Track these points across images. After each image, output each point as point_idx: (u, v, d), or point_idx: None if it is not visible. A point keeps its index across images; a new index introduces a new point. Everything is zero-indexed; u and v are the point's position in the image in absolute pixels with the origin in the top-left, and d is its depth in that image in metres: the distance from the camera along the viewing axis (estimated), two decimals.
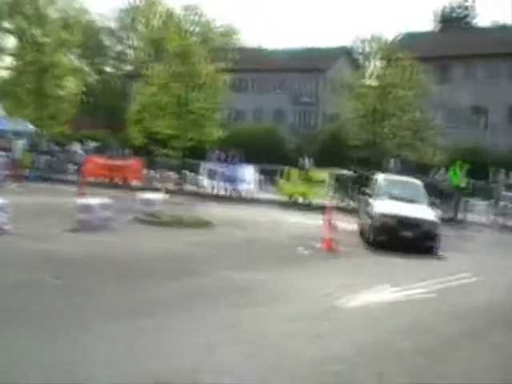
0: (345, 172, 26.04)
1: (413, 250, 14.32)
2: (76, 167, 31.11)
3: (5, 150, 29.92)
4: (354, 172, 25.53)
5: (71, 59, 37.47)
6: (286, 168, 27.09)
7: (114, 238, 13.56)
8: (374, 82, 27.38)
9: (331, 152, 33.64)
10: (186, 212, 18.48)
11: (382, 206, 15.60)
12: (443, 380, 6.23)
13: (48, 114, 32.47)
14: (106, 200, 15.15)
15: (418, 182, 17.64)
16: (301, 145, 36.65)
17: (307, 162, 26.86)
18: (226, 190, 27.97)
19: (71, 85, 33.38)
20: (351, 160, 25.90)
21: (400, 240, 14.64)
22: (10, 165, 28.46)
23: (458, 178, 23.64)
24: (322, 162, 28.68)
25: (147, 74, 30.99)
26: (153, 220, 16.10)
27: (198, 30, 31.95)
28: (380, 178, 17.60)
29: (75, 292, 8.48)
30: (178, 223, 16.09)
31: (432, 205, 16.55)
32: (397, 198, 15.94)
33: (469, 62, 48.76)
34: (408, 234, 14.78)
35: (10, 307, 7.49)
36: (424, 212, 15.40)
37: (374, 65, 29.27)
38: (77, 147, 33.35)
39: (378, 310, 8.68)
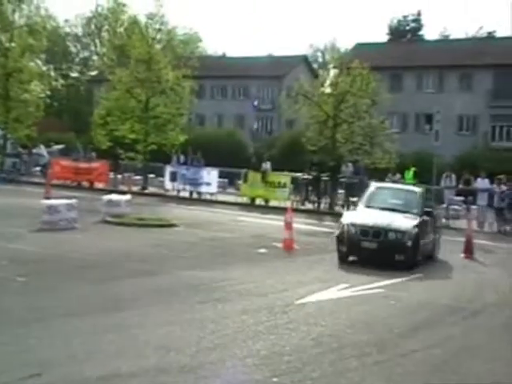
0: (302, 175, 26.81)
1: (379, 264, 12.46)
2: (41, 169, 31.44)
3: None
4: (309, 175, 26.34)
5: (37, 64, 37.51)
6: (247, 171, 27.77)
7: (78, 238, 13.79)
8: (329, 90, 28.25)
9: (290, 156, 34.51)
10: (150, 213, 18.83)
11: (349, 215, 14.17)
12: (397, 369, 6.43)
13: (14, 117, 32.62)
14: (71, 201, 15.41)
15: (416, 189, 15.43)
16: (259, 149, 37.36)
17: (267, 165, 27.58)
18: (191, 193, 28.61)
19: (37, 89, 33.53)
20: (310, 164, 26.67)
21: (362, 252, 13.01)
22: None
23: (411, 182, 24.68)
24: (281, 165, 29.48)
25: (112, 79, 31.43)
26: (117, 221, 16.40)
27: (161, 37, 32.28)
28: (372, 186, 15.46)
29: (38, 290, 8.69)
30: (142, 224, 16.48)
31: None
32: (381, 208, 13.92)
33: (418, 72, 50.79)
34: (371, 245, 12.84)
35: None
36: (398, 221, 13.10)
37: (329, 73, 30.05)
38: (42, 150, 33.57)
39: (332, 305, 9.08)
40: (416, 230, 13.19)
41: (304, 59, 62.79)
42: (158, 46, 31.80)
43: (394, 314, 9.00)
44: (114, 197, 18.29)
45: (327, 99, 27.37)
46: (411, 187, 16.19)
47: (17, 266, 10.11)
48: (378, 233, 12.90)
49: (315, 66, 66.35)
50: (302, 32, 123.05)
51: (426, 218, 13.97)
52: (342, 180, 26.67)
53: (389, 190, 15.68)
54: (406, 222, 13.20)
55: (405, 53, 51.59)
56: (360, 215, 13.78)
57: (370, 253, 12.94)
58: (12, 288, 8.74)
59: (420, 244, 13.26)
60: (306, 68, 59.50)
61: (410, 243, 12.84)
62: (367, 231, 12.96)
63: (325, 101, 27.30)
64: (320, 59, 78.75)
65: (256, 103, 54.46)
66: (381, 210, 13.83)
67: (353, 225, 13.14)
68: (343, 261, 13.08)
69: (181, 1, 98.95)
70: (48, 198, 17.98)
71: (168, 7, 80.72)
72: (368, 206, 14.25)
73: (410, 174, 26.29)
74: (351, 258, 13.25)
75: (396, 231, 12.91)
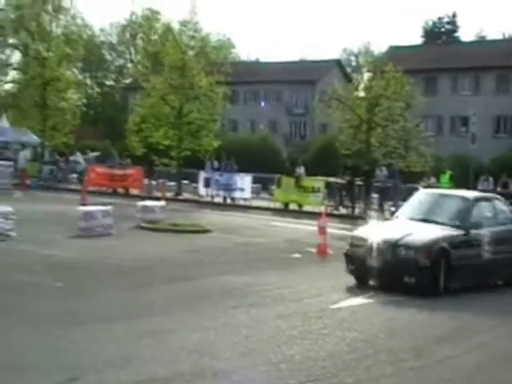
0: (336, 180, 26.69)
1: (386, 287, 10.46)
2: (78, 176, 31.96)
3: (10, 159, 30.80)
4: (342, 179, 26.21)
5: (74, 73, 38.24)
6: (280, 176, 27.79)
7: (114, 244, 13.99)
8: (362, 94, 28.21)
9: (324, 161, 34.40)
10: (185, 219, 18.90)
11: (364, 227, 12.47)
12: (433, 375, 6.39)
13: (51, 125, 33.31)
14: (106, 208, 15.61)
15: (468, 197, 12.18)
16: (292, 154, 37.39)
17: (301, 170, 27.55)
18: (225, 198, 28.72)
19: (73, 97, 34.19)
20: (342, 168, 26.59)
21: (367, 271, 10.74)
22: (15, 174, 29.29)
23: (447, 185, 24.38)
24: (315, 170, 29.43)
25: (146, 87, 31.80)
26: (152, 227, 16.57)
27: (194, 43, 32.60)
28: (417, 193, 13.38)
29: (75, 295, 8.84)
30: (177, 230, 16.57)
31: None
32: (417, 218, 11.56)
33: (454, 74, 50.15)
34: (375, 263, 10.55)
35: (14, 308, 7.88)
36: (417, 234, 10.63)
37: (363, 77, 30.04)
38: (78, 157, 34.12)
39: (366, 310, 9.08)
40: (441, 245, 10.50)
41: (337, 63, 62.62)
42: (191, 53, 32.03)
43: (428, 320, 8.89)
44: (149, 203, 18.49)
45: (361, 103, 27.26)
46: (464, 194, 12.76)
47: (54, 271, 10.28)
48: (383, 249, 10.51)
49: (349, 69, 66.08)
50: (335, 36, 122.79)
51: (475, 231, 11.17)
52: (376, 184, 26.46)
53: (433, 197, 12.74)
54: (427, 236, 10.61)
55: (440, 55, 51.02)
56: (375, 227, 12.01)
57: (375, 272, 10.66)
58: (49, 293, 8.92)
59: (456, 265, 10.52)
60: (339, 72, 59.28)
61: (426, 262, 10.19)
62: (372, 247, 10.65)
63: (358, 104, 27.21)
64: (354, 63, 78.38)
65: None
66: (416, 221, 11.46)
67: (360, 238, 11.09)
68: (361, 283, 10.93)
69: (214, 7, 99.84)
70: (84, 204, 18.24)
71: (201, 13, 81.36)
72: (401, 217, 12.01)
73: (445, 177, 25.97)
74: (372, 282, 10.96)
75: (407, 247, 10.37)
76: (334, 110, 27.95)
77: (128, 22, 71.11)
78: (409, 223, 11.39)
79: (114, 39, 72.72)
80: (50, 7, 35.08)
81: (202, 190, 29.52)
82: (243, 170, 28.96)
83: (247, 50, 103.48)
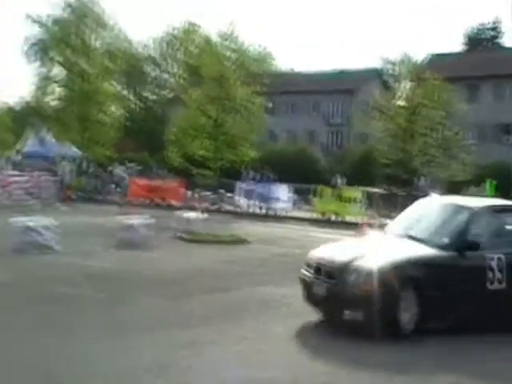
0: (375, 190, 26.53)
1: (331, 322, 8.45)
2: (119, 189, 32.43)
3: (54, 173, 31.47)
4: (385, 190, 26.03)
5: (114, 86, 38.88)
6: (319, 186, 27.78)
7: (154, 255, 14.13)
8: (403, 103, 28.09)
9: (362, 171, 34.24)
10: (223, 230, 18.97)
11: (332, 244, 9.62)
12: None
13: (92, 138, 33.92)
14: (146, 219, 15.78)
15: (473, 206, 9.10)
16: (330, 163, 37.34)
17: (339, 180, 27.50)
18: (261, 208, 28.77)
19: (114, 110, 34.77)
20: (383, 178, 26.47)
21: (314, 299, 8.63)
22: (59, 187, 29.90)
23: (490, 195, 23.96)
24: (353, 180, 29.31)
25: (185, 99, 32.16)
26: (191, 238, 16.72)
27: (233, 55, 32.90)
28: (417, 202, 10.40)
29: (115, 305, 8.99)
30: (215, 241, 16.68)
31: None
32: (401, 234, 9.10)
33: (497, 81, 49.17)
34: (320, 290, 8.38)
35: (59, 319, 8.07)
36: (376, 256, 8.14)
37: (404, 86, 29.95)
38: (120, 169, 34.62)
39: None
40: (404, 271, 8.01)
41: (376, 72, 62.12)
42: (229, 64, 32.28)
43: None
44: (188, 214, 18.61)
45: (402, 112, 27.10)
46: (468, 203, 9.48)
47: (96, 282, 10.46)
48: (330, 272, 8.28)
49: (386, 78, 65.39)
50: (374, 44, 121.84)
51: (476, 253, 8.39)
52: (421, 194, 26.14)
53: (430, 206, 9.91)
54: (385, 258, 8.10)
55: (482, 61, 49.97)
56: (339, 244, 9.63)
57: (320, 301, 8.50)
58: (90, 303, 9.07)
59: (434, 299, 8.02)
60: (378, 81, 58.85)
61: (382, 292, 7.74)
62: (319, 269, 8.48)
63: (399, 113, 27.05)
64: (391, 71, 77.60)
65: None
66: (398, 237, 9.05)
67: (313, 258, 8.85)
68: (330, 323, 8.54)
69: (251, 16, 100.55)
70: (125, 216, 18.49)
71: (238, 23, 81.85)
72: (389, 231, 9.67)
73: (489, 186, 25.47)
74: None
75: (356, 271, 7.97)
76: (376, 120, 27.79)
77: (168, 35, 71.93)
78: (383, 240, 9.19)
79: (155, 53, 73.58)
80: (92, 23, 35.79)
81: (241, 201, 29.64)
82: (282, 180, 28.97)
83: (284, 60, 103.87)
